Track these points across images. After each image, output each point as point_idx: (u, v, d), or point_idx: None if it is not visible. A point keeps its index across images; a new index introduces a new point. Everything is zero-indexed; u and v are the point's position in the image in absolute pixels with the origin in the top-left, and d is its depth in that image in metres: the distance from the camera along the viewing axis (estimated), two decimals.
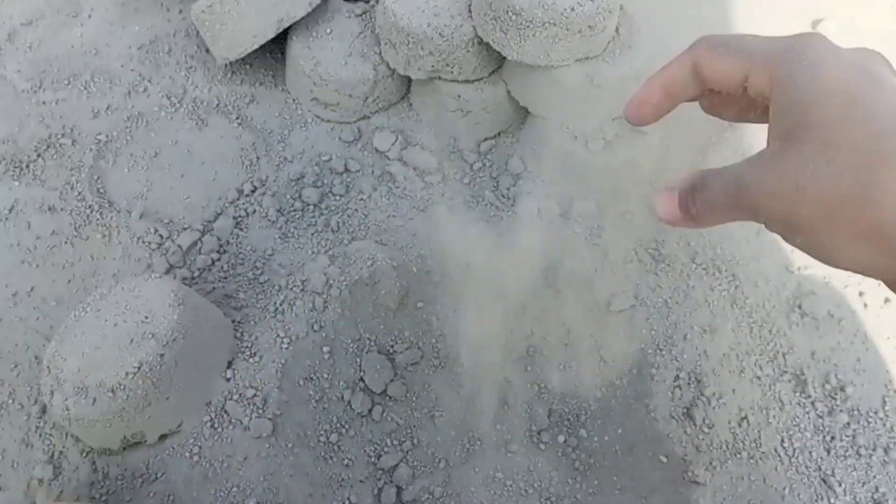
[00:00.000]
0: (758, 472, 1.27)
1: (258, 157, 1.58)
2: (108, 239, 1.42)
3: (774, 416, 1.32)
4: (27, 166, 1.51)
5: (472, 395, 1.30)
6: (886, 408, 1.35)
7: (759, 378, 1.35)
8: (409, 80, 1.65)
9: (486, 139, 1.63)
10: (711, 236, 1.50)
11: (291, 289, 1.35)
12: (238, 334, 1.29)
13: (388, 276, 1.34)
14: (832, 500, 1.25)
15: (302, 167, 1.56)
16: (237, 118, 1.64)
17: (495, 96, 1.57)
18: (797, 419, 1.32)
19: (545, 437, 1.27)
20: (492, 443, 1.26)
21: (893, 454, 1.30)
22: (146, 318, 1.12)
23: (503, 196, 1.55)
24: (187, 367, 1.15)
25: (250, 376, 1.24)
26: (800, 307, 1.43)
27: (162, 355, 1.10)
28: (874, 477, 1.28)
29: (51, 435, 1.20)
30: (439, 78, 1.55)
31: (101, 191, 1.49)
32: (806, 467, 1.28)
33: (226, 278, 1.38)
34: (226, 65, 1.70)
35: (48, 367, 1.10)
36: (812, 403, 1.33)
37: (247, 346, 1.27)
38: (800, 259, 1.48)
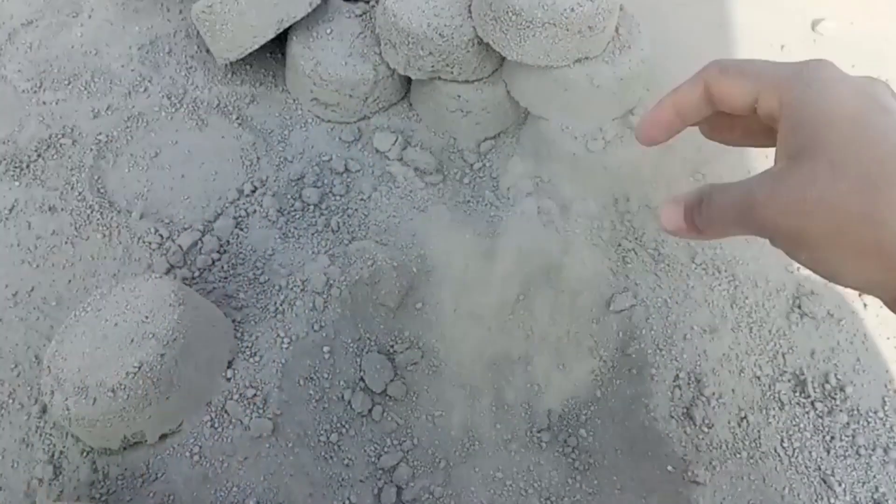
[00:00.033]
0: (758, 472, 1.27)
1: (258, 158, 1.58)
2: (109, 239, 1.42)
3: (774, 416, 1.32)
4: (27, 166, 1.51)
5: (472, 394, 1.30)
6: (886, 408, 1.35)
7: (758, 378, 1.35)
8: (409, 80, 1.65)
9: (486, 139, 1.63)
10: None
11: (292, 289, 1.35)
12: (238, 334, 1.29)
13: (389, 276, 1.34)
14: (832, 500, 1.25)
15: (302, 167, 1.56)
16: (237, 118, 1.64)
17: (495, 96, 1.58)
18: (797, 419, 1.32)
19: (545, 437, 1.27)
20: (492, 443, 1.26)
21: (893, 454, 1.30)
22: (146, 317, 1.13)
23: (503, 196, 1.55)
24: (187, 367, 1.15)
25: (250, 376, 1.24)
26: (800, 307, 1.43)
27: (162, 355, 1.10)
28: (874, 477, 1.28)
29: (51, 435, 1.20)
30: (439, 78, 1.55)
31: (102, 191, 1.49)
32: (806, 467, 1.28)
33: (226, 278, 1.38)
34: (226, 65, 1.70)
35: (48, 366, 1.10)
36: (812, 403, 1.33)
37: (247, 346, 1.28)
38: None
